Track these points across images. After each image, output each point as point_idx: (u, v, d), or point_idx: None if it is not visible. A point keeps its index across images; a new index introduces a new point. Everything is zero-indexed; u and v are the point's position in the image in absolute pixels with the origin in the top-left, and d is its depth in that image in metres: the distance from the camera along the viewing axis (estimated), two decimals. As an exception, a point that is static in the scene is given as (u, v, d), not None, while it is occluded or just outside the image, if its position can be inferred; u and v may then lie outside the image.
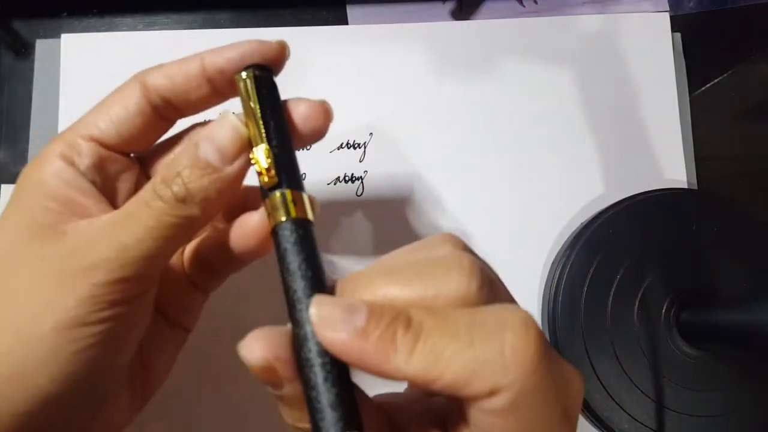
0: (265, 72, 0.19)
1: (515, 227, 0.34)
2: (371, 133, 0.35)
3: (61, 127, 0.33)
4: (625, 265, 0.32)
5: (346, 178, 0.34)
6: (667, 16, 0.37)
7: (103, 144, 0.21)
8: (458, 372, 0.15)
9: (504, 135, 0.35)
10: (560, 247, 0.34)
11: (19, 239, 0.19)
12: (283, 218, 0.17)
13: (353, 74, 0.35)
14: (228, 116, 0.19)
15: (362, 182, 0.34)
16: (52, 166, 0.20)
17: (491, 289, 0.17)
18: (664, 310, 0.31)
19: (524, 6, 0.37)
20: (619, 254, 0.32)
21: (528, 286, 0.34)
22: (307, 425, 0.16)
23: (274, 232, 0.17)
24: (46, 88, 0.34)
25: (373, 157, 0.34)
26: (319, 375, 0.15)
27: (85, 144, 0.21)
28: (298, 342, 0.16)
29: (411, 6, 0.37)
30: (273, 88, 0.20)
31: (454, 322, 0.15)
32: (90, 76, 0.34)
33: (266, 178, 0.17)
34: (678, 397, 0.31)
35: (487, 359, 0.15)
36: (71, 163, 0.20)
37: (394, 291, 0.16)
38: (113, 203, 0.21)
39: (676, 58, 0.37)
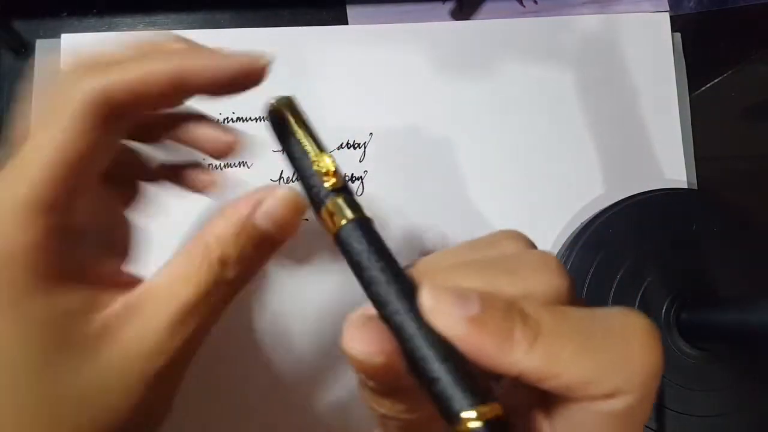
0: (291, 96, 0.21)
1: (515, 227, 0.34)
2: (371, 133, 0.35)
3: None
4: (625, 265, 0.32)
5: (346, 178, 0.34)
6: (667, 16, 0.37)
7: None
8: (579, 372, 0.14)
9: (503, 135, 0.35)
10: (560, 247, 0.34)
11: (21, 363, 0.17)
12: (352, 216, 0.17)
13: (353, 74, 0.35)
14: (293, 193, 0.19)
15: (362, 182, 0.34)
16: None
17: (575, 293, 0.16)
18: (664, 310, 0.31)
19: (524, 6, 0.37)
20: (618, 254, 0.32)
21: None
22: (412, 415, 0.16)
23: (342, 231, 0.17)
24: (46, 89, 0.34)
25: (373, 157, 0.34)
26: (433, 360, 0.15)
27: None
28: (400, 336, 0.15)
29: (411, 6, 0.37)
30: (302, 110, 0.21)
31: (575, 319, 0.15)
32: (90, 76, 0.34)
33: (334, 180, 0.18)
34: (678, 397, 0.31)
35: (612, 362, 0.15)
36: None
37: (479, 286, 0.16)
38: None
39: (676, 58, 0.37)
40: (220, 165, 0.33)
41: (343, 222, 0.17)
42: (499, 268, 0.16)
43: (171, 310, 0.18)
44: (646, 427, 0.30)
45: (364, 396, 0.17)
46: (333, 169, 0.18)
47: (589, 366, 0.14)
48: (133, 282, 0.19)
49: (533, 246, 0.18)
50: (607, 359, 0.15)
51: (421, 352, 0.15)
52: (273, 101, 0.20)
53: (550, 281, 0.16)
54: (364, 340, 0.15)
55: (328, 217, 0.18)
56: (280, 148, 0.20)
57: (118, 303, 0.18)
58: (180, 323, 0.18)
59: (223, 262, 0.18)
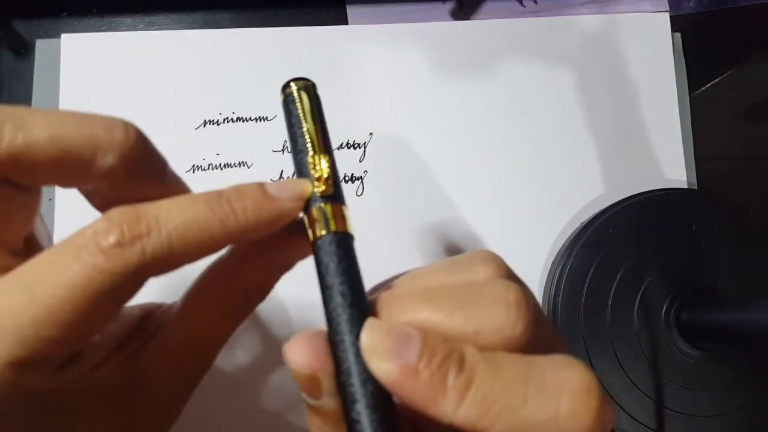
0: (310, 82, 0.20)
1: (515, 227, 0.34)
2: (371, 133, 0.35)
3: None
4: (625, 265, 0.32)
5: (346, 178, 0.34)
6: (667, 16, 0.37)
7: None
8: (508, 429, 0.14)
9: (504, 135, 0.35)
10: (560, 247, 0.34)
11: None
12: (333, 229, 0.17)
13: (353, 74, 0.35)
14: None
15: (362, 182, 0.34)
16: None
17: (536, 328, 0.16)
18: (663, 310, 0.31)
19: (524, 6, 0.37)
20: (619, 254, 0.32)
21: (528, 286, 0.34)
22: None
23: (319, 241, 0.17)
24: (46, 88, 0.34)
25: (373, 157, 0.34)
26: (360, 396, 0.15)
27: None
28: (338, 361, 0.15)
29: (411, 6, 0.37)
30: (319, 99, 0.20)
31: (508, 372, 0.15)
32: (90, 76, 0.34)
33: (324, 186, 0.18)
34: (678, 397, 0.31)
35: (540, 421, 0.14)
36: None
37: (434, 318, 0.16)
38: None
39: (676, 58, 0.37)
40: (220, 165, 0.33)
41: (323, 233, 0.17)
42: (459, 299, 0.16)
43: None
44: (646, 427, 0.30)
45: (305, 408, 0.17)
46: (326, 175, 0.18)
47: (517, 424, 0.14)
48: None
49: (506, 271, 0.18)
50: (535, 418, 0.14)
51: (352, 389, 0.15)
52: (293, 82, 0.19)
53: (505, 320, 0.15)
54: (299, 351, 0.15)
55: (310, 222, 0.17)
56: (287, 132, 0.19)
57: None
58: None
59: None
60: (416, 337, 0.15)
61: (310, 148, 0.18)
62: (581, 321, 0.31)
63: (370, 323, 0.15)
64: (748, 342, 0.30)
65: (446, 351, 0.15)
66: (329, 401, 0.16)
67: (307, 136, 0.18)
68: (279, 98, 0.20)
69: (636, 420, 0.30)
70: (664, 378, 0.31)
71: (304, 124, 0.19)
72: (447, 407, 0.14)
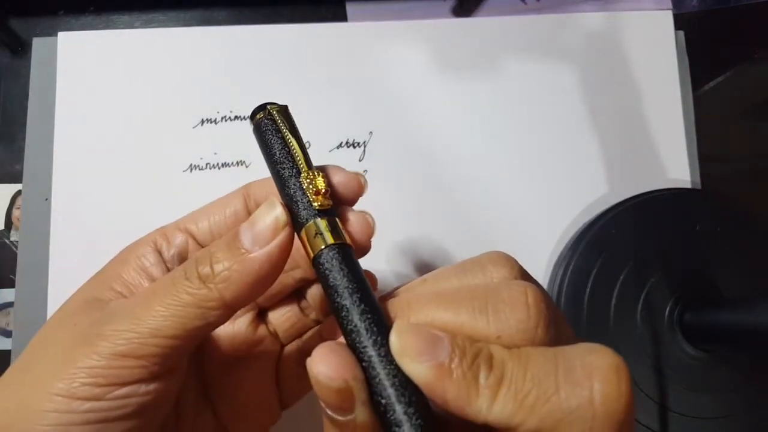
0: (284, 105, 0.20)
1: (518, 227, 0.34)
2: (371, 132, 0.34)
3: (57, 126, 0.33)
4: (629, 265, 0.32)
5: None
6: (670, 14, 0.37)
7: (195, 239, 0.22)
8: (543, 419, 0.14)
9: (505, 134, 0.35)
10: (563, 247, 0.33)
11: (72, 307, 0.20)
12: (334, 241, 0.17)
13: (353, 72, 0.35)
14: (273, 204, 0.18)
15: (362, 182, 0.34)
16: (141, 249, 0.21)
17: (556, 328, 0.16)
18: (667, 312, 0.31)
19: (526, 3, 0.37)
20: (622, 255, 0.32)
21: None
22: None
23: (322, 255, 0.17)
24: (43, 87, 0.34)
25: (373, 156, 0.34)
26: (396, 401, 0.15)
27: (179, 235, 0.21)
28: (365, 371, 0.15)
29: (411, 3, 0.36)
30: (292, 119, 0.20)
31: (537, 364, 0.15)
32: (87, 74, 0.34)
33: (322, 199, 0.18)
34: (681, 399, 0.30)
35: (575, 407, 0.14)
36: (158, 251, 0.21)
37: (454, 321, 0.16)
38: None
39: (680, 57, 0.36)
40: (218, 165, 0.33)
41: (324, 246, 0.17)
42: (478, 301, 0.16)
43: None
44: (650, 429, 0.30)
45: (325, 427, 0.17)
46: (324, 188, 0.18)
47: (554, 412, 0.14)
48: None
49: (520, 272, 0.18)
50: (570, 404, 0.14)
51: (386, 392, 0.15)
52: (267, 106, 0.19)
53: (526, 323, 0.15)
54: (326, 362, 0.15)
55: (308, 237, 0.17)
56: (266, 155, 0.19)
57: None
58: None
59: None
60: (444, 338, 0.15)
61: (303, 166, 0.18)
62: (584, 321, 0.31)
63: (398, 326, 0.15)
64: (752, 343, 0.29)
65: (475, 351, 0.15)
66: (362, 412, 0.15)
67: (297, 155, 0.19)
68: (250, 126, 0.20)
69: (639, 422, 0.30)
70: (667, 380, 0.31)
71: (292, 144, 0.19)
72: (481, 405, 0.14)
